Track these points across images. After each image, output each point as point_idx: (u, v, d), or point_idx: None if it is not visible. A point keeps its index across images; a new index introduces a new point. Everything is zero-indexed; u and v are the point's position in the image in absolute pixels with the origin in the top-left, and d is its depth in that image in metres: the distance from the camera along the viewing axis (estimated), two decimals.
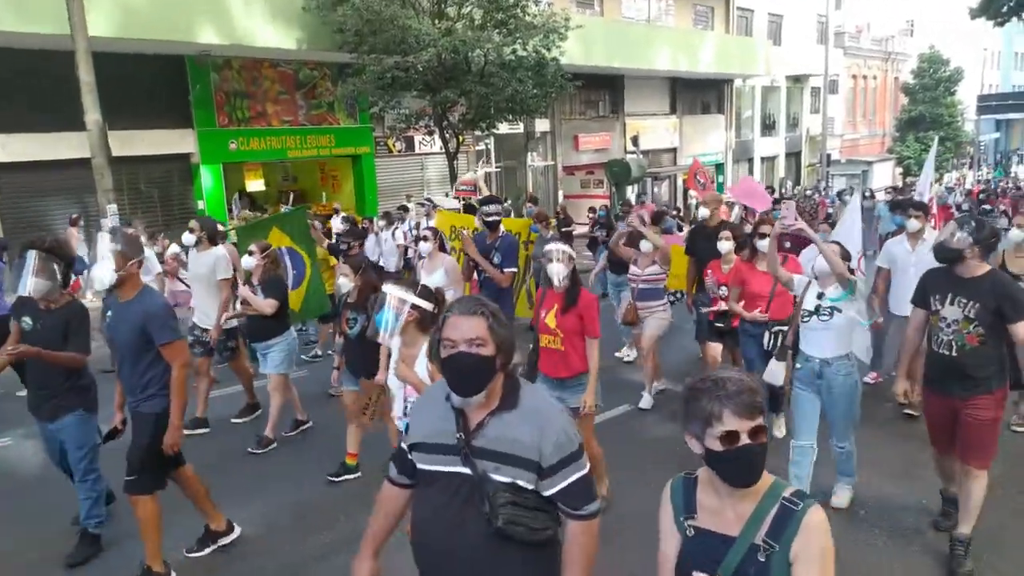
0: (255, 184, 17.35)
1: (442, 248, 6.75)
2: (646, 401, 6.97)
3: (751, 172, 31.04)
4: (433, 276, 6.44)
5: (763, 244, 5.48)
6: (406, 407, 3.67)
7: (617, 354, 8.69)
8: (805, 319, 4.58)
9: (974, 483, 3.99)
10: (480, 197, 7.49)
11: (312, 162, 18.39)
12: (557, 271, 4.52)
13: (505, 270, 6.27)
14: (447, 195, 16.61)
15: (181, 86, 14.64)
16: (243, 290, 6.17)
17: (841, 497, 4.80)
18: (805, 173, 35.16)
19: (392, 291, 3.46)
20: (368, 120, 17.47)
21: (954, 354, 3.95)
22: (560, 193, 22.56)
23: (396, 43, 13.79)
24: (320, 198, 18.59)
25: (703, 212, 7.48)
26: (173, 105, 14.54)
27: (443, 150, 16.48)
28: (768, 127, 33.03)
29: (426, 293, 3.57)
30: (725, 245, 6.36)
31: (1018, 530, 4.47)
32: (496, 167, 20.93)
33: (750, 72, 28.15)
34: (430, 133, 16.67)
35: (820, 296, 4.52)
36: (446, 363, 2.12)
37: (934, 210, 8.39)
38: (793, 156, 35.40)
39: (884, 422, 6.14)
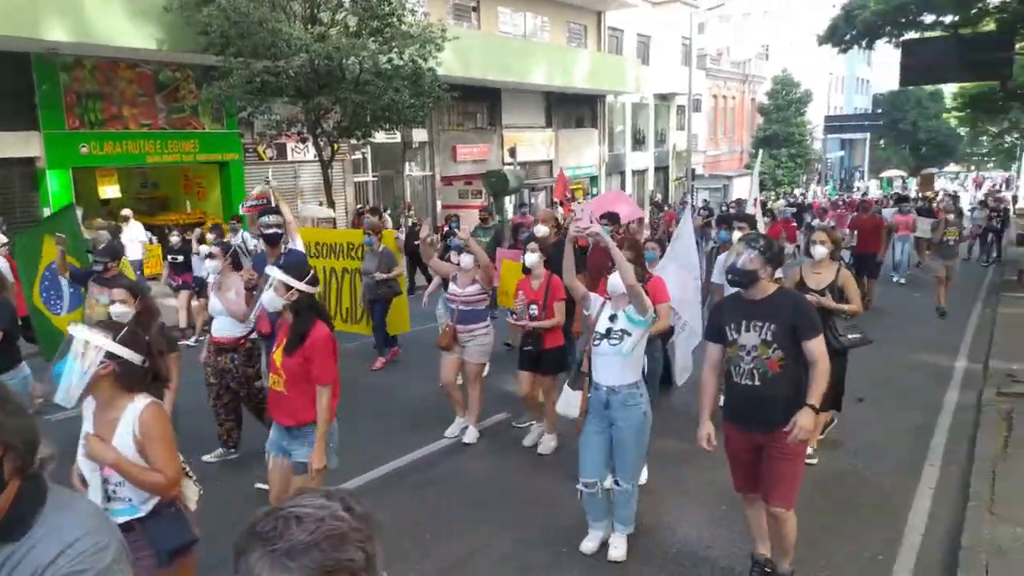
0: (110, 190, 16.22)
1: (237, 267, 5.94)
2: (471, 435, 6.33)
3: (623, 185, 32.20)
4: (227, 296, 5.64)
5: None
6: (108, 493, 2.73)
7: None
8: (596, 343, 4.22)
9: (784, 525, 3.82)
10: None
11: (175, 168, 17.42)
12: (267, 300, 3.87)
13: None
14: (320, 204, 16.22)
15: (26, 85, 13.47)
16: None
17: (618, 549, 4.33)
18: (673, 187, 36.87)
19: (79, 333, 2.60)
20: (236, 125, 16.75)
21: (757, 383, 3.70)
22: (439, 203, 22.54)
23: (266, 47, 13.32)
24: (184, 206, 17.66)
25: (541, 230, 6.99)
26: (16, 106, 13.34)
27: (317, 158, 16.08)
28: (638, 142, 34.42)
29: (131, 339, 2.67)
30: (532, 258, 5.90)
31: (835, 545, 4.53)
32: (373, 176, 20.65)
33: (621, 89, 29.23)
34: (303, 140, 16.22)
35: (613, 318, 4.18)
36: None
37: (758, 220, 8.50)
38: (662, 170, 37.04)
39: None
